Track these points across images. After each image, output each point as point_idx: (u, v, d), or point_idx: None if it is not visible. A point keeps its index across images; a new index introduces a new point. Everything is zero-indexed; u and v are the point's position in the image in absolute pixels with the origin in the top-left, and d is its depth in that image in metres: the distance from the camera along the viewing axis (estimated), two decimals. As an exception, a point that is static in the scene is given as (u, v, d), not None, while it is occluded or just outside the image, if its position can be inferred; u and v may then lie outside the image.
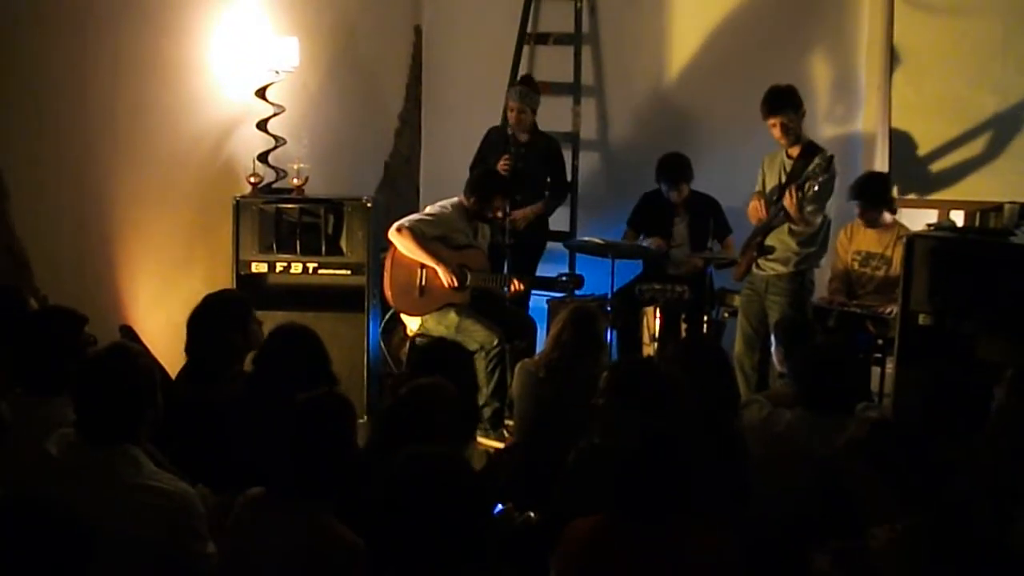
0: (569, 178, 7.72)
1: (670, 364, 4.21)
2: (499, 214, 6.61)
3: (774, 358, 5.21)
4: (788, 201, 5.95)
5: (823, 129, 7.21)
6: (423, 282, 6.31)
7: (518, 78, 7.18)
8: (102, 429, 3.20)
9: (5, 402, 3.60)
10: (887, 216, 6.44)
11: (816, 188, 5.90)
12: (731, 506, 3.64)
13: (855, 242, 6.57)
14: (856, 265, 6.55)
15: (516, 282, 6.48)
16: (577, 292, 6.77)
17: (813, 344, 4.74)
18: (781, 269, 6.13)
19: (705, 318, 6.75)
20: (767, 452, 4.02)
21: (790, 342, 4.95)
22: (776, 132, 6.08)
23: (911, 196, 6.66)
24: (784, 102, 6.05)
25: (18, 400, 3.72)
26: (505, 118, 7.20)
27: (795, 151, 6.10)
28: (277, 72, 6.41)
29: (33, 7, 5.22)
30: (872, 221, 6.44)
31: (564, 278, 6.66)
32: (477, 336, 6.14)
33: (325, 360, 4.23)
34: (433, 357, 4.42)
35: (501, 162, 6.86)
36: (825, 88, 7.40)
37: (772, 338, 5.23)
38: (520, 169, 7.01)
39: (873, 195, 6.37)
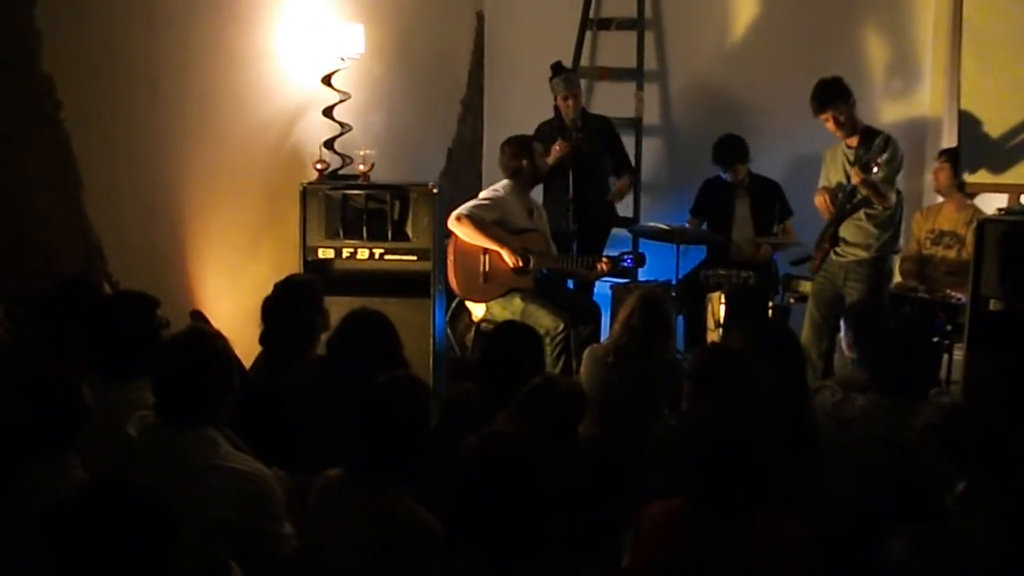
0: (633, 163, 7.72)
1: (744, 350, 4.20)
2: (551, 159, 6.63)
3: (842, 343, 5.16)
4: (856, 178, 5.93)
5: (887, 112, 7.14)
6: (486, 268, 6.33)
7: (551, 66, 7.15)
8: (182, 411, 3.24)
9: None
10: (961, 196, 6.41)
11: (882, 166, 5.88)
12: (805, 491, 3.63)
13: (929, 220, 6.55)
14: (928, 244, 6.52)
15: (604, 262, 6.51)
16: (641, 271, 6.78)
17: (886, 328, 4.69)
18: (863, 255, 6.10)
19: (770, 304, 6.73)
20: (839, 437, 4.00)
21: (861, 327, 4.90)
22: (830, 126, 6.08)
23: (981, 180, 6.57)
24: (831, 96, 6.04)
25: (95, 385, 3.78)
26: (557, 112, 7.17)
27: (854, 141, 6.08)
28: (343, 59, 6.44)
29: (102, -1, 5.31)
30: (946, 187, 6.46)
31: (627, 256, 6.64)
32: (543, 321, 6.12)
33: (397, 345, 4.27)
34: (505, 340, 4.44)
35: (554, 152, 6.83)
36: (889, 70, 7.32)
37: (842, 322, 5.19)
38: (585, 153, 7.01)
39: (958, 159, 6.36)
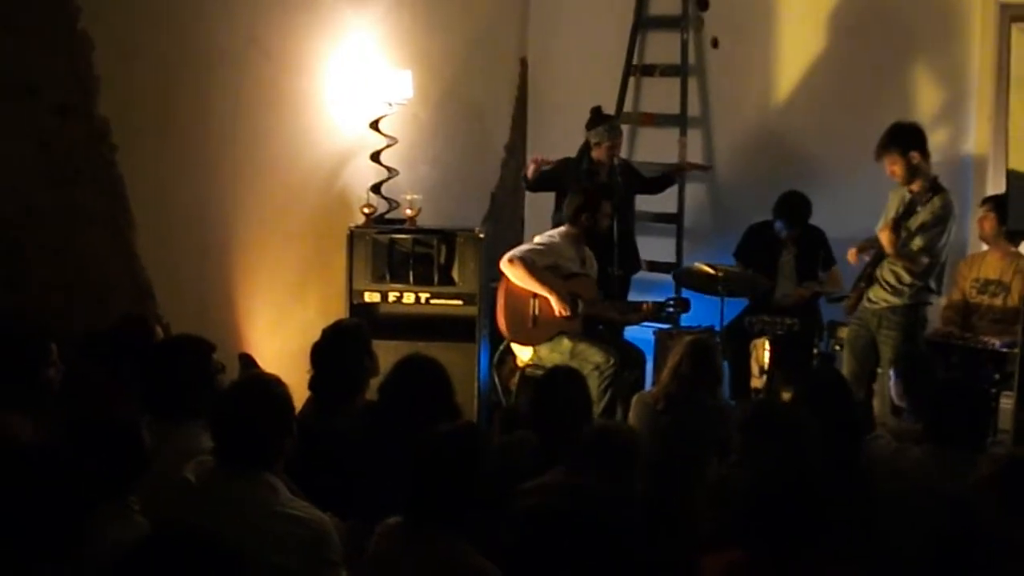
0: (676, 209, 7.73)
1: (796, 399, 4.19)
2: (606, 222, 6.57)
3: (892, 392, 5.12)
4: (883, 236, 5.90)
5: (932, 157, 7.09)
6: (536, 312, 6.31)
7: (591, 111, 7.16)
8: (241, 457, 3.25)
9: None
10: (1006, 243, 6.39)
11: (924, 220, 5.85)
12: (860, 541, 3.61)
13: (974, 269, 6.50)
14: (974, 293, 6.47)
15: (647, 305, 6.55)
16: (683, 317, 6.77)
17: (940, 379, 4.67)
18: (895, 301, 6.01)
19: (815, 350, 6.69)
20: (895, 488, 3.97)
21: (910, 376, 4.88)
22: (893, 169, 6.00)
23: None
24: (894, 141, 5.96)
25: (148, 426, 3.80)
26: (585, 154, 7.16)
27: (916, 186, 5.98)
28: (391, 104, 6.50)
29: (157, 46, 5.38)
30: (991, 235, 6.43)
31: (671, 303, 6.66)
32: (593, 358, 6.14)
33: (450, 392, 4.25)
34: (555, 386, 4.44)
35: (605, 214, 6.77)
36: (934, 116, 7.28)
37: (891, 372, 5.16)
38: (623, 195, 7.02)
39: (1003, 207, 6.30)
